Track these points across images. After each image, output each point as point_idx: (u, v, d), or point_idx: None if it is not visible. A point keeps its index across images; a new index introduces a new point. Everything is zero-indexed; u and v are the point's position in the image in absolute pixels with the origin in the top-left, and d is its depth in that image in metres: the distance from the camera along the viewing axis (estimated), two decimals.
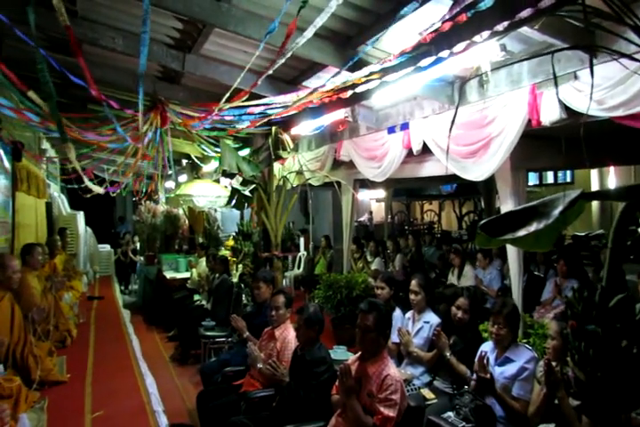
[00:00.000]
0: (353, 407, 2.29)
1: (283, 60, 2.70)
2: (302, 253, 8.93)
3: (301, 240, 9.42)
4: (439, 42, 2.38)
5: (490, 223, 1.84)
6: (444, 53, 2.45)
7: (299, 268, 8.86)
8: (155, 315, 6.75)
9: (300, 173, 6.37)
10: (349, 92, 3.08)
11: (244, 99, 3.57)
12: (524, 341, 3.27)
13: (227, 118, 3.73)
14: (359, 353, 2.60)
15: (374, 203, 14.40)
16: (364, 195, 12.20)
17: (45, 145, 8.48)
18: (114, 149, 6.82)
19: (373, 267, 6.62)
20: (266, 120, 3.70)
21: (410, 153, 4.92)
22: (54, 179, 9.49)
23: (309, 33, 2.40)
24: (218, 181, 8.68)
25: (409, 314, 3.57)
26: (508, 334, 2.64)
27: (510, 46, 3.25)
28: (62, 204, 9.29)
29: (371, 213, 14.30)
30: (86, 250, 9.01)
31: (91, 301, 6.84)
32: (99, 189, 6.22)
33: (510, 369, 2.57)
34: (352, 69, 3.44)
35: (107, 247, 10.48)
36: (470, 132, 3.80)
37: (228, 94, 3.25)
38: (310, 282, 7.10)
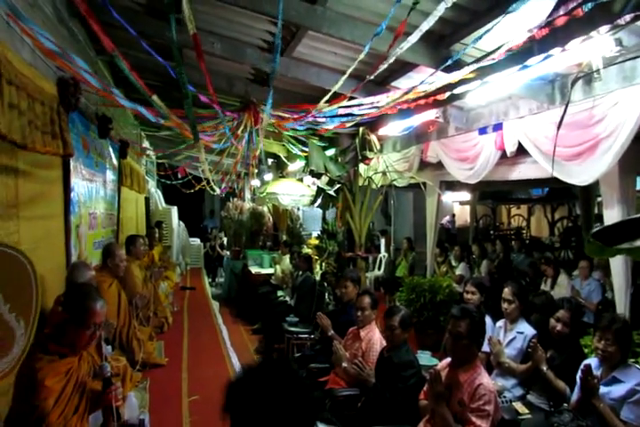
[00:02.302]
0: (443, 415, 2.23)
1: (386, 66, 2.68)
2: (383, 254, 8.86)
3: (382, 241, 9.35)
4: (550, 38, 2.25)
5: (604, 231, 1.71)
6: (555, 50, 2.31)
7: (379, 269, 8.80)
8: (240, 308, 7.03)
9: (384, 173, 6.33)
10: (447, 94, 3.01)
11: (327, 99, 3.63)
12: (632, 360, 3.01)
13: (319, 120, 3.79)
14: (449, 359, 2.53)
15: (457, 205, 13.95)
16: (448, 197, 11.84)
17: (145, 143, 9.14)
18: (206, 148, 7.20)
19: (458, 272, 6.41)
20: (356, 121, 3.71)
21: (503, 155, 4.73)
22: (152, 175, 10.20)
23: (415, 37, 2.37)
24: (301, 180, 8.86)
25: (500, 323, 3.43)
26: (617, 351, 2.44)
27: (627, 41, 3.00)
28: (159, 199, 9.97)
29: (453, 215, 13.87)
30: (179, 243, 9.59)
31: (183, 291, 7.27)
32: (217, 190, 6.66)
33: (618, 390, 2.37)
34: (446, 69, 3.35)
35: (197, 241, 11.08)
36: (574, 132, 3.55)
37: (327, 97, 3.30)
38: (391, 284, 7.02)
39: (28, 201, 2.69)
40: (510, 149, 4.38)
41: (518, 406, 2.82)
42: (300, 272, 5.83)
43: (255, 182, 11.03)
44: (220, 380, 3.84)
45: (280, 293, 6.47)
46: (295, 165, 8.58)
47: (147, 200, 8.76)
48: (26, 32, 2.71)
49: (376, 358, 3.10)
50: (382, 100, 3.58)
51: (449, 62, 2.91)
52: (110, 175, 5.37)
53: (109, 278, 3.67)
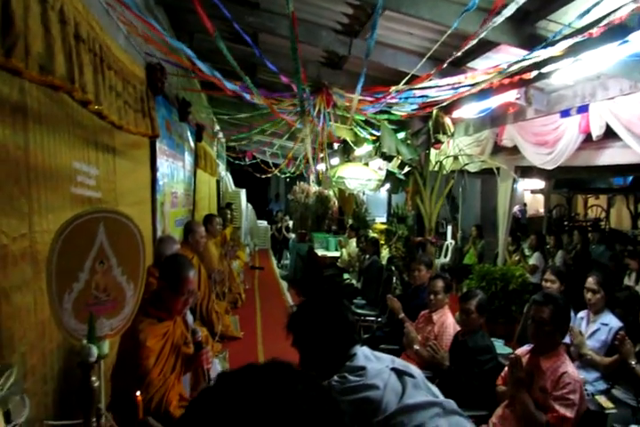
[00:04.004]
0: (523, 401, 2.20)
1: (475, 41, 2.60)
2: (450, 241, 8.69)
3: (449, 229, 9.16)
4: None
5: None
6: None
7: (445, 257, 8.65)
8: (306, 289, 7.18)
9: (455, 158, 6.17)
10: (533, 73, 2.88)
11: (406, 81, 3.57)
12: None
13: (393, 101, 3.74)
14: (529, 346, 2.48)
15: (528, 194, 13.33)
16: (519, 185, 11.38)
17: (217, 128, 9.44)
18: (274, 133, 7.35)
19: (532, 262, 6.17)
20: (432, 103, 3.64)
21: (586, 139, 4.47)
22: (222, 159, 10.54)
23: (509, 11, 2.27)
24: (367, 164, 8.81)
25: (582, 314, 3.29)
26: None
27: None
28: (228, 181, 10.31)
29: (524, 205, 13.29)
30: (247, 224, 9.90)
31: (253, 270, 7.54)
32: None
33: None
34: (532, 48, 3.19)
35: (264, 223, 11.39)
36: None
37: (406, 78, 3.26)
38: (458, 271, 6.90)
39: (122, 178, 2.89)
40: (597, 132, 4.13)
41: (602, 400, 2.70)
42: (367, 256, 5.86)
43: (321, 167, 11.13)
44: (294, 355, 4.00)
45: (346, 275, 6.55)
46: (362, 150, 8.54)
47: (217, 183, 9.08)
48: (122, 19, 2.88)
49: (449, 342, 3.08)
50: (460, 80, 3.48)
51: (550, 39, 2.72)
52: (188, 157, 5.62)
53: (190, 253, 3.88)
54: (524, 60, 2.64)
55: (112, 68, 2.52)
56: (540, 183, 11.21)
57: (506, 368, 2.50)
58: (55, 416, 1.88)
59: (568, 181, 11.14)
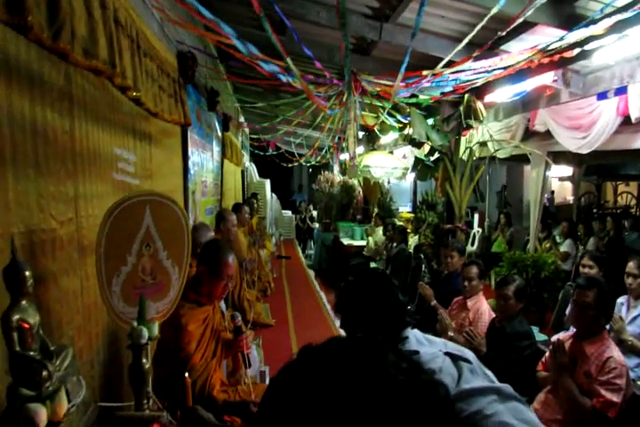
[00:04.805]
0: (567, 386, 2.16)
1: (517, 22, 2.52)
2: (477, 229, 8.57)
3: (475, 216, 9.04)
4: None
5: None
6: None
7: (472, 245, 8.54)
8: (332, 278, 7.19)
9: (484, 144, 6.06)
10: (575, 51, 2.78)
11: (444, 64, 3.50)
12: None
13: (427, 85, 3.68)
14: (571, 331, 2.43)
15: (555, 182, 13.05)
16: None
17: (242, 118, 9.46)
18: (299, 122, 7.32)
19: (563, 249, 6.06)
20: (467, 85, 3.57)
21: (623, 122, 4.34)
22: (246, 149, 10.59)
23: None
24: (392, 152, 8.74)
25: (622, 299, 3.21)
26: None
27: None
28: (253, 172, 10.36)
29: (552, 192, 13.02)
30: (272, 215, 9.94)
31: (279, 260, 7.59)
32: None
33: None
34: (568, 28, 3.09)
35: (289, 213, 11.44)
36: None
37: (443, 62, 3.20)
38: (486, 260, 6.80)
39: (157, 165, 2.92)
40: (636, 114, 4.01)
41: None
42: (395, 244, 5.83)
43: (344, 156, 11.08)
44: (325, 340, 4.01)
45: (372, 264, 6.53)
46: (387, 138, 8.47)
47: (242, 173, 9.13)
48: (155, 6, 2.88)
49: (485, 329, 3.05)
50: (495, 63, 3.40)
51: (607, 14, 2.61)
52: (216, 147, 5.65)
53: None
54: (563, 38, 2.55)
55: (148, 55, 2.53)
56: (567, 170, 10.95)
57: (547, 354, 2.46)
58: (102, 400, 1.92)
59: (597, 167, 10.86)
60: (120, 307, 1.53)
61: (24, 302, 1.12)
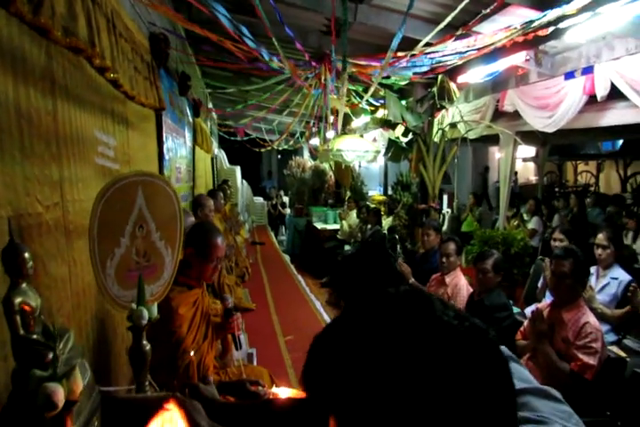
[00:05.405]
0: (546, 352, 2.27)
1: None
2: (446, 210, 8.77)
3: (445, 198, 9.24)
4: None
5: None
6: None
7: (442, 225, 8.75)
8: (305, 262, 7.24)
9: (454, 126, 6.16)
10: (550, 29, 2.85)
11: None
12: None
13: (404, 65, 3.70)
14: (549, 301, 2.55)
15: (519, 162, 13.43)
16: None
17: (210, 104, 9.28)
18: (269, 108, 7.25)
19: (530, 226, 6.28)
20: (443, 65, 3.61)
21: (589, 101, 4.49)
22: (215, 136, 10.41)
23: None
24: (362, 136, 8.77)
25: (591, 269, 3.37)
26: None
27: None
28: (223, 159, 10.22)
29: (515, 173, 13.39)
30: (243, 201, 9.87)
31: (254, 246, 7.58)
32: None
33: None
34: (541, 8, 3.16)
35: (260, 199, 11.39)
36: None
37: (422, 43, 3.22)
38: None
39: (135, 151, 2.85)
40: (601, 93, 4.15)
41: (615, 349, 2.81)
42: (370, 226, 5.90)
43: (314, 141, 11.06)
44: (309, 321, 4.10)
45: (347, 247, 6.60)
46: (358, 122, 8.49)
47: (212, 160, 8.99)
48: None
49: (464, 303, 3.15)
50: (469, 44, 3.45)
51: None
52: (188, 133, 5.54)
53: None
54: (546, 15, 2.61)
55: (123, 36, 2.45)
56: (530, 151, 11.29)
57: (525, 322, 2.58)
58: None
59: (558, 148, 11.24)
60: (115, 290, 1.52)
61: (24, 285, 1.10)
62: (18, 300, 1.06)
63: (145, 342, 1.51)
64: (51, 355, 1.03)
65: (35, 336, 1.08)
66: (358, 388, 0.50)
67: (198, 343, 2.09)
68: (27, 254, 1.10)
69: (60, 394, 0.88)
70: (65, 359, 1.15)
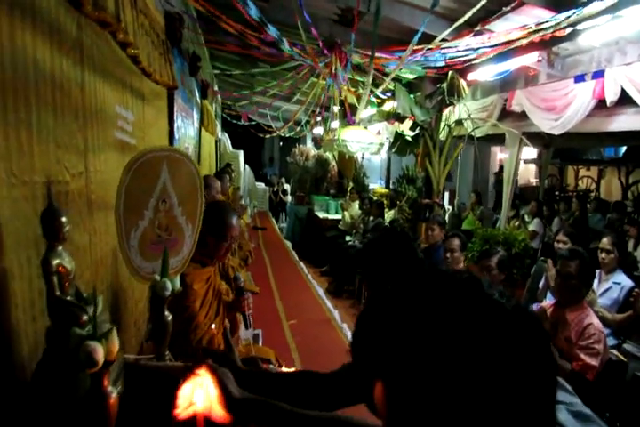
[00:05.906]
0: None
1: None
2: (447, 207, 8.81)
3: (446, 195, 9.27)
4: None
5: None
6: None
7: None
8: (305, 250, 7.26)
9: (460, 123, 6.17)
10: (568, 30, 2.86)
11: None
12: None
13: (417, 59, 3.71)
14: (553, 301, 2.59)
15: (520, 164, 13.46)
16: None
17: (216, 87, 9.23)
18: (276, 95, 7.22)
19: (531, 228, 6.33)
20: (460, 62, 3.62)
21: (598, 106, 4.51)
22: (219, 119, 10.37)
23: None
24: (366, 128, 8.77)
25: None
26: None
27: None
28: (227, 142, 10.19)
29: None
30: (245, 186, 9.87)
31: (256, 230, 7.60)
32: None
33: None
34: (556, 9, 3.17)
35: (262, 185, 11.38)
36: None
37: (440, 38, 3.21)
38: None
39: (149, 127, 2.86)
40: (611, 98, 4.17)
41: (614, 353, 2.85)
42: (372, 217, 5.93)
43: (318, 131, 11.04)
44: (311, 307, 4.14)
45: (348, 237, 6.63)
46: (364, 114, 8.46)
47: (216, 143, 8.97)
48: None
49: None
50: (483, 41, 3.46)
51: None
52: (195, 114, 5.52)
53: None
54: (578, 12, 2.61)
55: (143, 12, 2.44)
56: (532, 153, 11.32)
57: None
58: None
59: (560, 151, 11.26)
60: (138, 261, 1.54)
61: (60, 248, 1.12)
62: (55, 261, 1.08)
63: (167, 312, 1.53)
64: (85, 316, 1.06)
65: (69, 298, 1.10)
66: (411, 354, 0.53)
67: (210, 320, 2.12)
68: (64, 219, 1.12)
69: (100, 352, 0.90)
70: (98, 323, 1.17)
